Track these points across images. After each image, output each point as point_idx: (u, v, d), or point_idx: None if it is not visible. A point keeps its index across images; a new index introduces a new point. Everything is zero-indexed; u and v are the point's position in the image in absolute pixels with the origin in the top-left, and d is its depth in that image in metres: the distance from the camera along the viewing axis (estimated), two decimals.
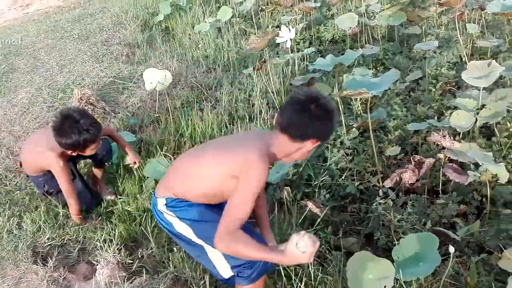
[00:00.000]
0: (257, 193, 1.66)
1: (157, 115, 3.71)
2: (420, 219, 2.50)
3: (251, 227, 2.03)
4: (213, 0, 7.05)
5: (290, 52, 4.36)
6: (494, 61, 2.92)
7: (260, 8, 5.97)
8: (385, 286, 1.71)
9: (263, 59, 4.53)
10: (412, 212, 2.51)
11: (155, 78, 3.86)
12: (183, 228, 1.86)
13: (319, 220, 2.40)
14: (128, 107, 3.83)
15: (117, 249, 2.23)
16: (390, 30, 5.27)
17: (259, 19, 5.80)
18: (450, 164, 2.68)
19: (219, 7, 6.79)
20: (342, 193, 2.89)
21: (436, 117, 3.33)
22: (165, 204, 1.87)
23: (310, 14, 5.74)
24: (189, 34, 5.81)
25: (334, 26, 5.50)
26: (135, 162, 2.87)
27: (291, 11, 5.87)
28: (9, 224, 2.46)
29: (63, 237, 2.39)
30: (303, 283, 1.95)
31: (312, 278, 1.97)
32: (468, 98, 3.12)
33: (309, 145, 1.73)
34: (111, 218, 2.59)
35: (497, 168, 2.32)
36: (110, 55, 4.82)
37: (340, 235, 2.50)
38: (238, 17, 5.91)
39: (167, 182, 1.92)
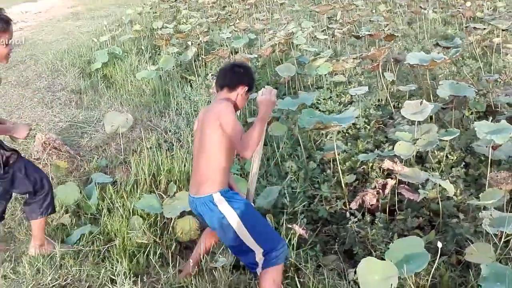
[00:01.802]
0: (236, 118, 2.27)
1: (124, 157, 3.73)
2: (387, 233, 2.88)
3: None
4: (148, 50, 7.25)
5: None
6: (424, 100, 3.54)
7: (200, 58, 6.28)
8: (391, 284, 2.00)
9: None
10: (381, 227, 2.88)
11: (117, 121, 3.91)
12: (234, 220, 2.22)
13: (310, 240, 2.66)
14: (92, 150, 3.80)
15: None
16: (317, 79, 5.89)
17: (199, 67, 6.10)
18: (402, 185, 3.14)
19: (151, 57, 7.02)
20: (314, 217, 3.18)
21: (379, 149, 3.84)
22: (222, 196, 2.25)
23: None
24: (131, 81, 5.89)
25: (267, 75, 6.04)
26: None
27: (229, 61, 6.28)
28: (3, 270, 2.31)
29: (65, 277, 2.30)
30: None
31: None
32: (403, 131, 3.68)
33: (241, 91, 2.39)
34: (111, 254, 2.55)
35: (446, 184, 2.82)
36: (58, 100, 4.72)
37: (321, 254, 2.78)
38: (180, 66, 6.16)
39: (205, 181, 2.28)
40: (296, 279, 2.24)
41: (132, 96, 5.31)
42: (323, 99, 5.28)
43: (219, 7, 12.37)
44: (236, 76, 2.44)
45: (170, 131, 4.30)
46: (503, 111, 4.45)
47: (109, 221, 2.81)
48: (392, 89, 5.16)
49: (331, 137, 4.17)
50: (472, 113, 4.52)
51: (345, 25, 8.28)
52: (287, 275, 2.36)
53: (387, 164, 3.20)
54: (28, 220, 2.69)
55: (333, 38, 7.88)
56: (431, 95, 4.54)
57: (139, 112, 4.74)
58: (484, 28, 6.34)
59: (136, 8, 10.70)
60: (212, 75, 6.08)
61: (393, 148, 3.76)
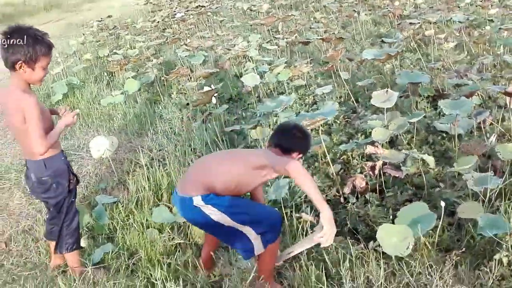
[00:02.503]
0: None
1: (119, 177, 3.76)
2: (382, 210, 3.18)
3: None
4: (103, 77, 7.21)
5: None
6: (389, 89, 3.92)
7: (161, 79, 6.37)
8: (409, 243, 2.27)
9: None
10: (377, 205, 3.17)
11: (103, 145, 3.93)
12: (219, 216, 2.23)
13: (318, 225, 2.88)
14: (84, 176, 3.79)
15: None
16: (277, 85, 6.19)
17: (164, 87, 6.19)
18: (386, 165, 3.47)
19: (108, 83, 6.99)
20: (312, 207, 3.41)
21: (353, 139, 4.16)
22: (202, 199, 2.22)
23: (207, 79, 6.39)
24: (96, 108, 5.86)
25: (228, 87, 6.26)
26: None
27: (190, 78, 6.43)
28: None
29: None
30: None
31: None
32: (373, 120, 4.03)
33: (294, 156, 2.37)
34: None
35: (427, 157, 3.17)
36: None
37: None
38: (144, 88, 6.21)
39: (196, 183, 2.28)
40: (325, 254, 2.44)
41: (102, 122, 5.29)
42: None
43: (159, 30, 12.46)
44: (295, 141, 2.42)
45: (154, 149, 4.37)
46: (449, 93, 4.97)
47: (127, 237, 2.86)
48: (349, 86, 5.57)
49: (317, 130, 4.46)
50: (423, 99, 5.00)
51: (290, 35, 8.71)
52: (311, 255, 2.56)
53: (369, 149, 3.52)
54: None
55: (279, 48, 8.26)
56: (389, 87, 4.97)
57: (115, 135, 4.75)
58: (419, 23, 6.97)
59: (78, 39, 10.53)
60: (177, 93, 6.21)
61: (365, 137, 4.13)
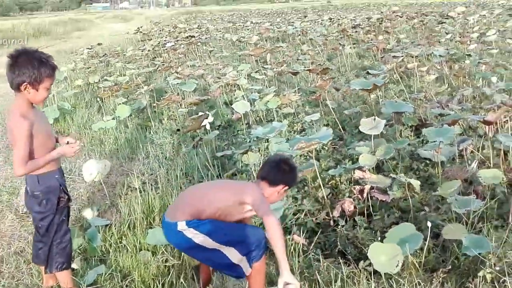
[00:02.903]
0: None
1: (111, 201, 3.79)
2: (370, 232, 3.26)
3: None
4: (93, 103, 7.29)
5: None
6: (377, 117, 4.08)
7: (155, 104, 6.48)
8: (398, 261, 2.36)
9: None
10: (366, 227, 3.26)
11: (96, 168, 3.97)
12: (201, 239, 2.32)
13: (311, 246, 2.95)
14: (76, 199, 3.80)
15: None
16: (267, 113, 6.34)
17: (155, 113, 6.28)
18: (373, 189, 3.58)
19: (99, 109, 7.06)
20: (303, 230, 3.48)
21: (340, 165, 4.28)
22: (186, 224, 2.32)
23: (198, 105, 6.52)
24: (87, 133, 5.90)
25: (218, 114, 6.38)
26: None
27: (181, 105, 6.54)
28: None
29: None
30: None
31: None
32: (361, 146, 4.17)
33: (280, 189, 2.45)
34: None
35: (413, 181, 3.30)
36: None
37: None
38: (135, 113, 6.29)
39: (183, 208, 2.39)
40: (317, 275, 2.50)
41: (93, 146, 5.34)
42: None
43: (149, 59, 12.67)
44: (281, 174, 2.47)
45: (145, 173, 4.42)
46: (432, 123, 5.17)
47: (120, 259, 2.88)
48: (336, 114, 5.75)
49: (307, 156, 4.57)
50: (406, 127, 5.19)
51: (278, 65, 8.97)
52: (304, 275, 2.61)
53: (357, 173, 3.64)
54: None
55: (267, 77, 8.48)
56: (374, 115, 5.15)
57: (107, 159, 4.79)
58: (402, 56, 7.28)
59: (68, 65, 10.63)
60: (169, 119, 6.30)
61: (353, 163, 4.26)
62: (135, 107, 6.35)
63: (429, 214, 3.34)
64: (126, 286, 2.71)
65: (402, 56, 7.56)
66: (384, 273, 2.42)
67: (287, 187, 2.51)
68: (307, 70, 6.58)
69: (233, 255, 2.38)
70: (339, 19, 18.92)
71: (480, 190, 3.48)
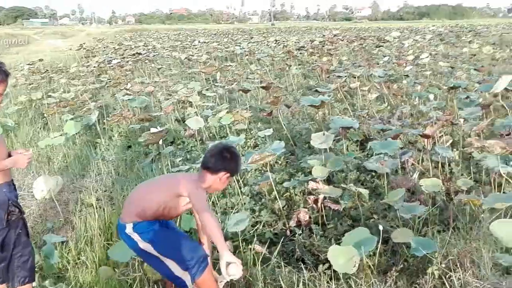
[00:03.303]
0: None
1: (65, 217, 3.67)
2: (325, 240, 3.43)
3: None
4: (37, 119, 7.01)
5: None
6: (326, 132, 4.31)
7: (102, 121, 6.35)
8: (355, 262, 2.52)
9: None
10: (321, 235, 3.42)
11: (47, 185, 3.86)
12: (146, 246, 2.43)
13: (274, 255, 3.05)
14: (27, 216, 3.63)
15: None
16: (221, 129, 6.44)
17: (104, 129, 6.16)
18: (326, 200, 3.77)
19: (45, 126, 6.82)
20: (262, 240, 3.58)
21: (293, 178, 4.46)
22: (133, 228, 2.43)
23: (150, 122, 6.48)
24: (34, 150, 5.67)
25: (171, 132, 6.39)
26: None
27: (131, 121, 6.47)
28: None
29: None
30: None
31: None
32: (312, 160, 4.38)
33: (222, 176, 2.46)
34: None
35: (363, 190, 3.52)
36: None
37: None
38: (83, 130, 6.13)
39: (129, 210, 2.48)
40: (280, 280, 2.60)
41: (41, 164, 5.14)
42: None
43: (94, 75, 12.38)
44: (222, 161, 2.44)
45: (99, 189, 4.33)
46: (375, 137, 5.52)
47: (80, 275, 2.81)
48: (287, 130, 5.96)
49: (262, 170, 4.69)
50: (352, 142, 5.49)
51: (228, 83, 9.13)
52: (267, 281, 2.70)
53: (311, 185, 3.81)
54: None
55: (217, 95, 8.59)
56: (322, 131, 5.41)
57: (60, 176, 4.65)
58: (345, 76, 7.70)
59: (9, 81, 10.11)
60: (119, 135, 6.20)
61: (305, 175, 4.44)
62: (84, 124, 6.20)
63: (377, 221, 3.57)
64: None
65: (345, 76, 7.98)
66: (343, 274, 2.57)
67: (228, 174, 2.49)
68: (261, 87, 6.77)
69: (174, 267, 2.45)
70: (283, 41, 19.57)
71: (423, 198, 3.79)
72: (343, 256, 2.55)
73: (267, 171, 4.88)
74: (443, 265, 2.43)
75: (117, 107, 7.60)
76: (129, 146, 6.10)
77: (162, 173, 4.46)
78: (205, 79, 11.03)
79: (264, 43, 19.88)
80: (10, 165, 2.39)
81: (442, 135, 4.67)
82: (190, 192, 2.38)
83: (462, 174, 4.14)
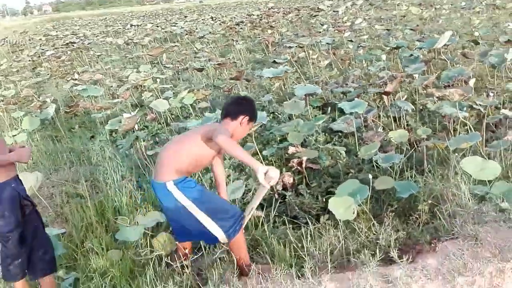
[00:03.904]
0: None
1: (53, 212, 3.62)
2: (312, 198, 3.68)
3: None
4: None
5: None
6: (296, 99, 4.52)
7: (63, 112, 6.13)
8: (353, 209, 2.78)
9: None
10: (309, 193, 3.67)
11: (28, 182, 3.75)
12: (187, 203, 2.47)
13: (272, 215, 3.25)
14: None
15: None
16: (182, 109, 6.46)
17: (67, 122, 5.97)
18: (306, 161, 4.01)
19: None
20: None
21: (269, 145, 4.66)
22: (175, 185, 2.46)
23: (109, 109, 6.35)
24: None
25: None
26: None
27: (90, 111, 6.30)
28: None
29: None
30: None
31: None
32: (286, 127, 4.59)
33: (242, 120, 2.58)
34: None
35: (340, 148, 3.79)
36: None
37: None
38: (42, 125, 5.89)
39: (166, 168, 2.49)
40: (289, 234, 2.81)
41: None
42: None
43: (29, 69, 11.69)
44: (239, 106, 2.62)
45: (79, 180, 4.28)
46: (334, 102, 5.82)
47: (93, 261, 2.85)
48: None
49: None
50: (314, 107, 5.77)
51: (178, 64, 9.06)
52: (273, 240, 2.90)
53: (291, 149, 4.04)
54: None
55: (169, 76, 8.50)
56: (287, 100, 5.64)
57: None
58: (296, 47, 7.92)
59: None
60: (80, 127, 6.03)
61: (279, 143, 4.66)
62: (41, 118, 5.96)
63: (355, 174, 3.88)
64: (108, 283, 2.71)
65: (294, 46, 8.21)
66: (344, 222, 2.82)
67: (248, 118, 2.61)
68: (217, 64, 6.81)
69: (210, 224, 2.52)
70: (219, 18, 19.43)
71: (390, 150, 4.14)
72: (342, 206, 2.80)
73: (247, 142, 5.06)
74: (429, 201, 2.75)
75: (67, 99, 7.32)
76: (92, 136, 5.98)
77: (142, 156, 4.47)
78: (150, 62, 10.81)
79: (200, 21, 19.62)
80: (15, 159, 2.36)
81: (398, 91, 5.05)
82: (216, 129, 2.43)
83: (423, 124, 4.53)
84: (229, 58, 10.24)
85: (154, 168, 2.62)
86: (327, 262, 2.48)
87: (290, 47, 8.15)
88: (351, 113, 4.41)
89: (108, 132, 5.92)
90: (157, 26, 18.49)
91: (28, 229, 2.42)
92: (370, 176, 2.95)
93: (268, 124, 5.46)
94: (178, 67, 8.35)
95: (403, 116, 4.77)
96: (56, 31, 23.77)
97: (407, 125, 4.74)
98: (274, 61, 7.00)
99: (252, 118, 2.67)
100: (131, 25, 20.28)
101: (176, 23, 18.15)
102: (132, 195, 3.65)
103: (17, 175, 2.47)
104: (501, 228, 2.37)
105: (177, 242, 2.85)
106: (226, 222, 2.55)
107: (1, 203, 2.34)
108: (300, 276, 2.38)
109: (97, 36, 18.32)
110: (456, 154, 3.28)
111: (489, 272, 2.10)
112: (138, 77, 7.57)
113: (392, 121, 4.82)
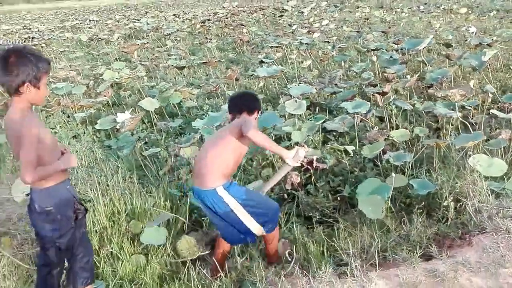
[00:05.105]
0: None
1: None
2: (323, 197, 3.73)
3: None
4: None
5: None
6: (297, 98, 4.54)
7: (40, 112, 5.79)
8: (382, 208, 2.84)
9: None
10: (320, 192, 3.70)
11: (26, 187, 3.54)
12: (237, 206, 2.53)
13: (292, 214, 3.25)
14: (14, 223, 3.29)
15: None
16: (167, 108, 6.30)
17: (46, 123, 5.64)
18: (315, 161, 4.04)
19: None
20: None
21: None
22: (225, 189, 2.51)
23: (90, 108, 6.07)
24: None
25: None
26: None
27: (71, 109, 5.99)
28: None
29: None
30: None
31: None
32: (286, 126, 4.61)
33: (256, 115, 2.77)
34: None
35: (348, 147, 3.85)
36: None
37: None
38: None
39: (213, 175, 2.52)
40: (322, 234, 2.83)
41: None
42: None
43: None
44: (254, 102, 2.81)
45: (78, 183, 4.06)
46: (325, 102, 5.87)
47: (119, 268, 2.72)
48: None
49: None
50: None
51: (153, 61, 8.80)
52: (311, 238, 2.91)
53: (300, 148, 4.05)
54: None
55: (145, 74, 8.23)
56: (281, 98, 5.64)
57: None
58: (276, 46, 7.95)
59: None
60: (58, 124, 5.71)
61: (279, 142, 4.66)
62: None
63: (360, 173, 3.97)
64: None
65: (272, 46, 8.24)
66: (370, 220, 2.88)
67: (259, 112, 2.82)
68: (203, 63, 6.70)
69: (251, 223, 2.59)
70: (182, 15, 19.11)
71: (387, 149, 4.26)
72: (371, 205, 2.85)
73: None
74: (451, 198, 2.87)
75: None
76: (74, 136, 5.70)
77: (140, 157, 4.32)
78: (119, 59, 10.45)
79: (162, 18, 19.20)
80: (65, 166, 2.21)
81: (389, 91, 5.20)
82: (243, 124, 2.48)
83: (410, 124, 4.68)
84: (199, 57, 10.11)
85: (196, 178, 2.61)
86: (364, 259, 2.53)
87: (271, 46, 8.16)
88: (348, 113, 4.50)
89: (92, 132, 5.68)
90: (118, 22, 17.89)
91: (76, 236, 2.27)
92: (394, 174, 3.03)
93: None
94: (155, 65, 8.12)
95: (393, 116, 4.94)
96: (6, 25, 22.36)
97: (396, 125, 4.90)
98: (261, 61, 6.99)
99: (261, 112, 2.91)
100: (91, 20, 19.48)
101: (139, 20, 17.64)
102: (141, 197, 3.53)
103: (69, 177, 2.32)
104: None
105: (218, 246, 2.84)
106: (266, 218, 2.65)
107: (55, 206, 2.18)
108: (343, 274, 2.40)
109: (53, 31, 17.44)
110: (458, 153, 3.44)
111: None
112: (115, 75, 7.29)
113: (381, 121, 4.97)
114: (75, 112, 5.85)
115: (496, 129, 4.37)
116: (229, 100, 2.89)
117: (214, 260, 2.74)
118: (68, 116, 6.17)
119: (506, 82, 5.77)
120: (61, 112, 6.17)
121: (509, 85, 5.62)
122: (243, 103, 2.79)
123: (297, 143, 4.18)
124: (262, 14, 15.44)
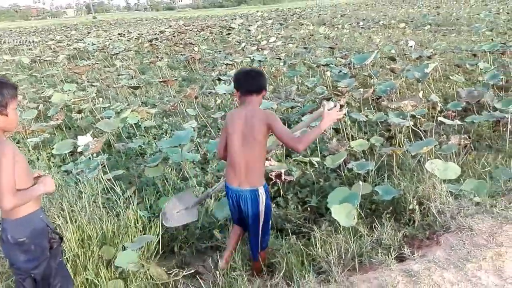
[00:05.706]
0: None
1: None
2: (294, 208, 3.82)
3: None
4: None
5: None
6: None
7: None
8: (354, 215, 2.97)
9: None
10: (291, 204, 3.80)
11: None
12: (262, 208, 2.66)
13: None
14: None
15: None
16: (123, 129, 6.17)
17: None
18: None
19: None
20: None
21: None
22: (265, 190, 2.65)
23: (42, 133, 5.82)
24: None
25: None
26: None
27: (19, 138, 5.71)
28: None
29: None
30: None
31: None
32: None
33: (264, 94, 2.70)
34: None
35: (314, 159, 3.99)
36: None
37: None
38: None
39: (255, 174, 2.62)
40: (298, 242, 2.90)
41: None
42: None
43: None
44: (261, 81, 2.63)
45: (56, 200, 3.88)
46: (288, 116, 6.03)
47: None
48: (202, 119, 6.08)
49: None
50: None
51: (103, 81, 8.59)
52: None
53: (266, 163, 4.13)
54: None
55: (95, 95, 8.02)
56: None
57: None
58: (230, 64, 8.05)
59: None
60: None
61: None
62: None
63: (325, 183, 4.12)
64: None
65: (225, 64, 8.35)
66: (343, 227, 3.00)
67: (265, 91, 2.75)
68: (161, 81, 6.65)
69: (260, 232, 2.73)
70: (127, 34, 18.82)
71: (348, 159, 4.47)
72: (343, 213, 2.97)
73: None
74: (415, 201, 3.06)
75: None
76: (28, 162, 5.43)
77: (99, 181, 4.21)
78: (64, 80, 10.10)
79: (106, 37, 18.79)
80: (43, 191, 2.13)
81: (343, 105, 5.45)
82: (276, 127, 2.51)
83: (373, 134, 4.94)
84: (150, 76, 10.01)
85: (235, 177, 2.64)
86: (342, 265, 2.63)
87: (226, 64, 8.26)
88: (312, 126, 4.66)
89: (46, 157, 5.44)
90: (60, 42, 17.27)
91: (51, 266, 2.18)
92: (361, 182, 3.18)
93: None
94: (107, 85, 7.93)
95: (349, 127, 5.18)
96: None
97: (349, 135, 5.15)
98: (219, 78, 7.05)
99: (266, 89, 2.78)
100: (30, 42, 18.65)
101: (81, 39, 17.15)
102: (111, 220, 3.43)
103: (42, 206, 2.22)
104: (485, 218, 2.74)
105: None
106: (267, 229, 2.81)
107: (28, 236, 2.08)
108: (325, 281, 2.48)
109: None
110: (413, 159, 3.68)
111: (490, 257, 2.42)
112: (64, 97, 7.05)
113: (337, 132, 5.21)
114: (27, 138, 5.57)
115: (443, 135, 4.73)
116: (244, 79, 2.64)
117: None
118: (18, 142, 5.87)
119: (446, 91, 6.24)
120: (10, 138, 5.85)
121: (449, 94, 6.09)
122: (250, 83, 2.60)
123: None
124: (210, 32, 15.57)
